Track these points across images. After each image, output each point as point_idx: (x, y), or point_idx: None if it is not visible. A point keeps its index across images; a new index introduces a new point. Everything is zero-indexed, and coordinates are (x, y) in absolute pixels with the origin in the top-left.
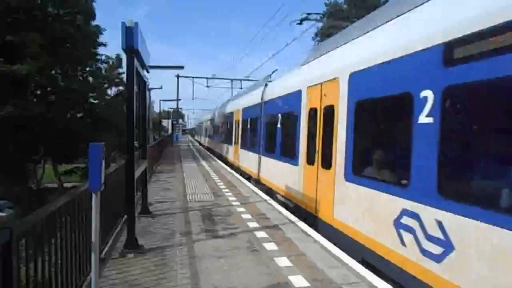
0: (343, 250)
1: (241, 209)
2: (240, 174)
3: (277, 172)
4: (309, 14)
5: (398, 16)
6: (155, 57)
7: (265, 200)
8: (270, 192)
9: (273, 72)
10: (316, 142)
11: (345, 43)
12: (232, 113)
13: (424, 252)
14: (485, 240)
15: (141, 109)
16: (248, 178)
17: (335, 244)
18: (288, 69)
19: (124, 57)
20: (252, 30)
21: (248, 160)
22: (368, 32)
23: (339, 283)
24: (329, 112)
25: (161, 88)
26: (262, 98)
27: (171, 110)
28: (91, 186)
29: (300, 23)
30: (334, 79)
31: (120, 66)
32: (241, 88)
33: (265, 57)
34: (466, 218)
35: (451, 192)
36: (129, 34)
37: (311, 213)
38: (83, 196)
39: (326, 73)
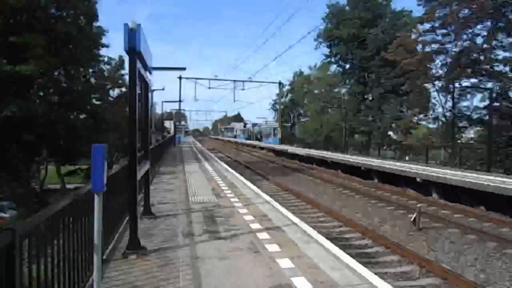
0: None
1: (243, 210)
2: None
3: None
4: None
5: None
6: (158, 59)
7: (267, 202)
8: None
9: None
10: None
11: None
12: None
13: None
14: None
15: (143, 110)
16: None
17: None
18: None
19: (126, 58)
20: (255, 32)
21: None
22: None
23: (341, 284)
24: None
25: (163, 89)
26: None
27: (174, 111)
28: (94, 187)
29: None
30: None
31: (123, 67)
32: (243, 89)
33: (268, 59)
34: None
35: None
36: (131, 35)
37: None
38: (86, 197)
39: None
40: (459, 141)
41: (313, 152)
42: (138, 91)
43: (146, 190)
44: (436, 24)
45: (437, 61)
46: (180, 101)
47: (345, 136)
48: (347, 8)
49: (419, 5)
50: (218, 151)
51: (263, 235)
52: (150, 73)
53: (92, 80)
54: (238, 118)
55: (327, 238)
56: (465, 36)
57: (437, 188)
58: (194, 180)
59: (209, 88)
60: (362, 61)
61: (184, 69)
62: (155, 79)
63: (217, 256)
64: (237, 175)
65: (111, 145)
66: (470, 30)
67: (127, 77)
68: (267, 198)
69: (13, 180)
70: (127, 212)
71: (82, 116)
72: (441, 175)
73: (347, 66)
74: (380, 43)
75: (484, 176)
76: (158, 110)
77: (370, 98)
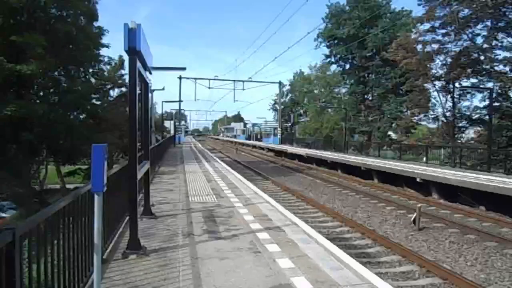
0: None
1: (244, 211)
2: None
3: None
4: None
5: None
6: (158, 59)
7: (267, 202)
8: None
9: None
10: None
11: None
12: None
13: None
14: None
15: (143, 110)
16: None
17: None
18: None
19: (126, 58)
20: (255, 32)
21: None
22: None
23: (341, 284)
24: None
25: (163, 89)
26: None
27: (174, 111)
28: (93, 187)
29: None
30: None
31: (123, 67)
32: (243, 89)
33: (268, 59)
34: None
35: None
36: (131, 35)
37: None
38: (86, 197)
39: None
40: (459, 141)
41: (313, 152)
42: (138, 91)
43: (146, 190)
44: (436, 24)
45: (437, 61)
46: (180, 101)
47: (345, 136)
48: (347, 8)
49: (419, 5)
50: (218, 151)
51: (263, 235)
52: (150, 73)
53: (92, 80)
54: (238, 118)
55: (327, 238)
56: (465, 36)
57: (437, 188)
58: (194, 180)
59: (209, 88)
60: (362, 61)
61: (184, 69)
62: (155, 79)
63: (217, 256)
64: (237, 175)
65: (111, 145)
66: (470, 30)
67: (127, 77)
68: (267, 198)
69: (13, 180)
70: (127, 212)
71: (82, 116)
72: (441, 175)
73: (347, 66)
74: (380, 43)
75: (484, 176)
76: (158, 110)
77: (370, 98)
